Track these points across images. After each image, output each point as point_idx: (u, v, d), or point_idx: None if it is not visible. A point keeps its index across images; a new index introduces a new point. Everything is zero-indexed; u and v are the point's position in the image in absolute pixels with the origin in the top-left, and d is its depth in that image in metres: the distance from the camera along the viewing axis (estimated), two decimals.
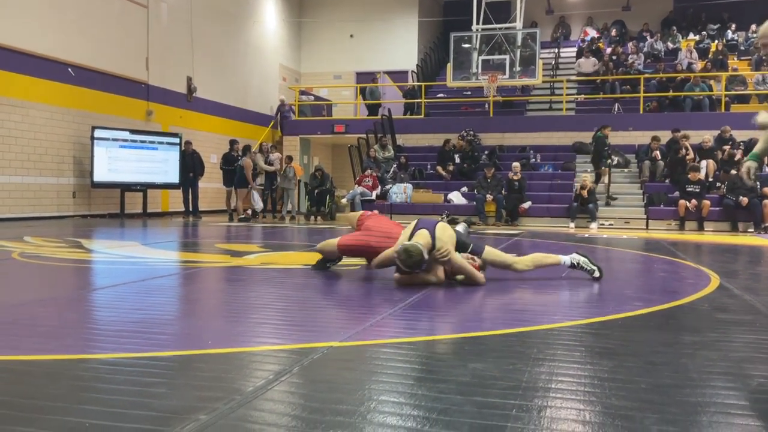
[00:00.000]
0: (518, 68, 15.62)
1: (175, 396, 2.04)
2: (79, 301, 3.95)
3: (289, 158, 15.24)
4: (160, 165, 14.23)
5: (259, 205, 14.38)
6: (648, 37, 20.53)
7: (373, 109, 18.96)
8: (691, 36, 20.78)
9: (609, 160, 14.02)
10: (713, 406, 2.04)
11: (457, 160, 15.66)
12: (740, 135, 14.34)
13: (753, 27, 19.49)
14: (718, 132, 14.34)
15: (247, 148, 14.72)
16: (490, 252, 4.66)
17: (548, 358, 2.60)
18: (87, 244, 7.62)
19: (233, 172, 14.34)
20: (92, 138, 12.91)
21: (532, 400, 2.06)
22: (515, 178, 13.76)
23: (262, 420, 1.87)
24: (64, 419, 1.82)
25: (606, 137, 14.10)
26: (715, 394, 2.18)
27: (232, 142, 14.94)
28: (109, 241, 8.30)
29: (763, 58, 3.59)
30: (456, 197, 14.26)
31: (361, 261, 5.25)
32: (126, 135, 13.64)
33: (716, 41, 19.54)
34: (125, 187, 13.67)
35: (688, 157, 13.55)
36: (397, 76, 20.59)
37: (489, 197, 13.42)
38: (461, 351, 2.77)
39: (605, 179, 13.98)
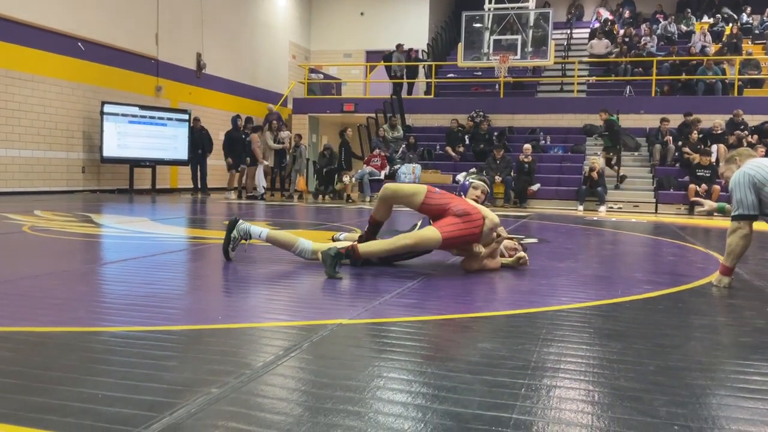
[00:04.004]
0: (530, 49, 15.49)
1: (187, 369, 2.06)
2: (90, 274, 3.98)
3: (299, 136, 15.24)
4: (169, 141, 14.23)
5: (261, 185, 14.31)
6: (661, 20, 20.28)
7: (399, 87, 18.34)
8: (705, 19, 20.50)
9: (618, 146, 13.87)
10: (722, 389, 2.04)
11: (467, 141, 15.60)
12: (752, 119, 14.21)
13: None
14: (730, 116, 14.21)
15: (256, 128, 14.70)
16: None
17: (557, 339, 2.61)
18: (97, 219, 7.66)
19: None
20: (102, 113, 12.91)
21: (541, 379, 2.07)
22: (526, 160, 13.70)
23: (272, 394, 1.88)
24: (78, 390, 1.84)
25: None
26: (725, 377, 2.19)
27: (247, 120, 14.97)
28: (118, 216, 8.34)
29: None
30: (464, 178, 14.19)
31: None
32: (135, 110, 13.63)
33: (731, 24, 19.27)
34: (134, 163, 13.69)
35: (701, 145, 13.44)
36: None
37: (498, 179, 13.38)
38: (470, 330, 2.78)
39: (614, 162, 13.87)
